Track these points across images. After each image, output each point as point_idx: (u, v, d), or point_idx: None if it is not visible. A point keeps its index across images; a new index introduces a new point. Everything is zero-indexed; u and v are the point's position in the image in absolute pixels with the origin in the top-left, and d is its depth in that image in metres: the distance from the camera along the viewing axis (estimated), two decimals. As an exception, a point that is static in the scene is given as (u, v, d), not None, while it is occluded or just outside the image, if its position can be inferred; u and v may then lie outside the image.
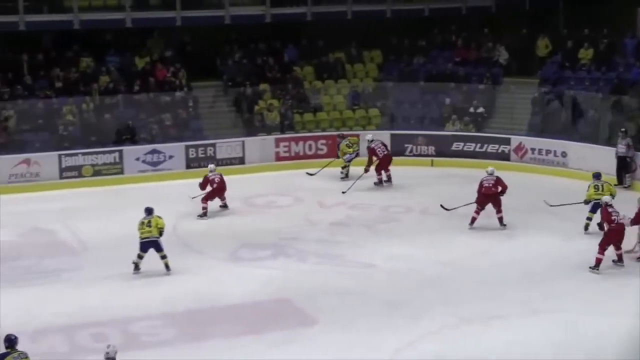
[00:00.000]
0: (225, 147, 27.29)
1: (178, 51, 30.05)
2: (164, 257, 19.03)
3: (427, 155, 28.23)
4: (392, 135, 28.55)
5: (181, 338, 16.25)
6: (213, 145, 27.21)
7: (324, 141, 28.42)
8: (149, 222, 18.90)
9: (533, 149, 27.82)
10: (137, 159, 26.43)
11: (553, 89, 29.27)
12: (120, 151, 26.40)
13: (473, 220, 21.73)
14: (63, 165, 25.82)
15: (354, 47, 31.60)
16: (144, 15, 28.84)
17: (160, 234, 18.99)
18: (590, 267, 19.02)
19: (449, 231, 22.10)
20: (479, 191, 21.84)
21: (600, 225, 20.13)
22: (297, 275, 19.11)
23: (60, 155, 25.90)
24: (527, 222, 22.62)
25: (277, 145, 28.10)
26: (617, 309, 17.39)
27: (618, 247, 19.18)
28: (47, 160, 25.71)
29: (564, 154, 27.35)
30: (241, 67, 29.98)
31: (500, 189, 21.71)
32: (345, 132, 27.62)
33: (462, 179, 25.83)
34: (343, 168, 26.37)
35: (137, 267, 19.02)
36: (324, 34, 31.18)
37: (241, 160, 27.45)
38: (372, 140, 25.51)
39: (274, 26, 30.53)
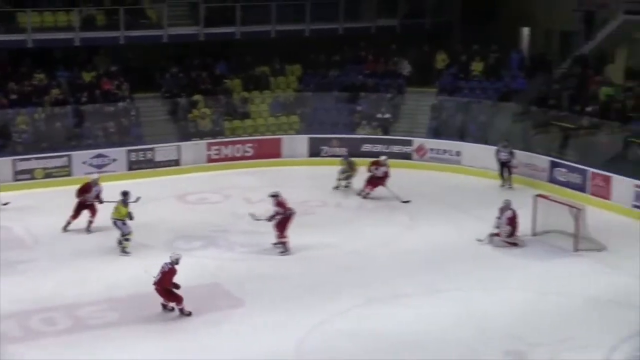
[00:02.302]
0: (163, 151, 27.08)
1: (122, 66, 29.73)
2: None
3: (341, 156, 28.31)
4: (309, 138, 28.71)
5: (124, 320, 16.29)
6: (152, 149, 27.00)
7: (250, 145, 28.35)
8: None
9: (432, 149, 28.19)
10: (84, 163, 26.04)
11: (449, 97, 29.71)
12: (69, 156, 26.04)
13: None
14: (17, 169, 25.32)
15: (277, 62, 31.59)
16: (91, 35, 28.38)
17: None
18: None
19: (358, 222, 22.39)
20: None
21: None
22: (226, 263, 19.24)
23: (14, 160, 25.40)
24: (427, 214, 23.00)
25: (208, 149, 27.89)
26: (507, 286, 17.94)
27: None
28: (2, 165, 25.13)
29: (458, 154, 27.79)
30: (177, 80, 29.75)
31: None
32: None
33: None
34: None
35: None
36: (251, 50, 31.11)
37: (177, 163, 27.22)
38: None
39: (206, 43, 30.40)
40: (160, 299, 16.48)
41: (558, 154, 25.94)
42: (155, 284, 16.23)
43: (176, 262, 16.27)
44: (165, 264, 16.32)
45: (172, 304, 16.38)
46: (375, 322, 16.23)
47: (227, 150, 28.15)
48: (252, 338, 15.57)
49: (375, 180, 24.24)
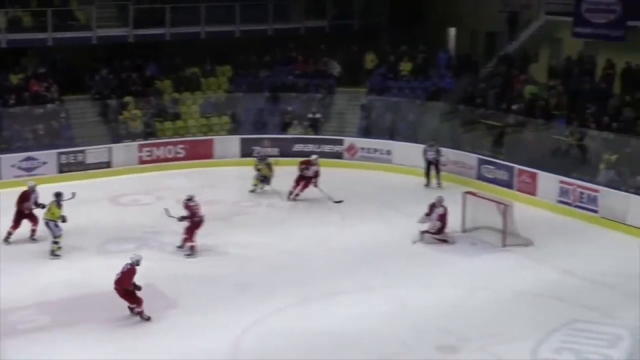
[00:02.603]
0: (94, 153, 26.64)
1: (50, 68, 29.17)
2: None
3: (272, 156, 28.05)
4: (241, 139, 28.52)
5: (55, 323, 15.98)
6: (83, 151, 26.54)
7: (182, 146, 28.08)
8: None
9: (362, 148, 28.28)
10: (13, 166, 25.46)
11: (379, 96, 29.82)
12: (-3, 159, 25.51)
13: None
14: (-57, 172, 24.73)
15: (208, 63, 31.34)
16: (18, 37, 27.80)
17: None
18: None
19: (291, 222, 22.33)
20: None
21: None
22: (159, 264, 18.89)
23: (-60, 163, 24.79)
24: (359, 213, 23.03)
25: (140, 150, 27.52)
26: (438, 282, 18.05)
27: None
28: None
29: (388, 152, 27.91)
30: (107, 82, 29.28)
31: None
32: None
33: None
34: None
35: None
36: (181, 52, 30.80)
37: (108, 165, 26.79)
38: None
39: (136, 45, 30.01)
40: (120, 302, 16.18)
41: (491, 152, 26.20)
42: (115, 283, 15.93)
43: (137, 262, 15.96)
44: (126, 264, 16.03)
45: (135, 308, 16.06)
46: (310, 321, 16.18)
47: (158, 152, 27.82)
48: (188, 338, 15.40)
49: (305, 180, 24.16)
